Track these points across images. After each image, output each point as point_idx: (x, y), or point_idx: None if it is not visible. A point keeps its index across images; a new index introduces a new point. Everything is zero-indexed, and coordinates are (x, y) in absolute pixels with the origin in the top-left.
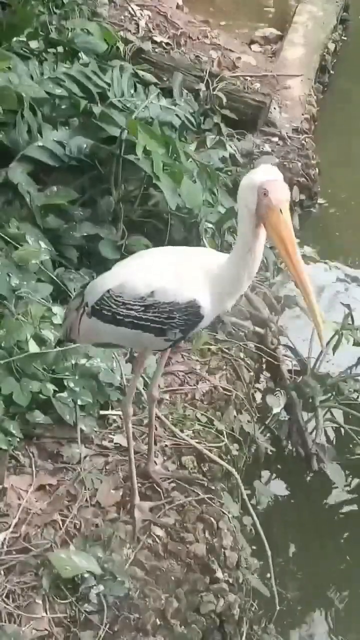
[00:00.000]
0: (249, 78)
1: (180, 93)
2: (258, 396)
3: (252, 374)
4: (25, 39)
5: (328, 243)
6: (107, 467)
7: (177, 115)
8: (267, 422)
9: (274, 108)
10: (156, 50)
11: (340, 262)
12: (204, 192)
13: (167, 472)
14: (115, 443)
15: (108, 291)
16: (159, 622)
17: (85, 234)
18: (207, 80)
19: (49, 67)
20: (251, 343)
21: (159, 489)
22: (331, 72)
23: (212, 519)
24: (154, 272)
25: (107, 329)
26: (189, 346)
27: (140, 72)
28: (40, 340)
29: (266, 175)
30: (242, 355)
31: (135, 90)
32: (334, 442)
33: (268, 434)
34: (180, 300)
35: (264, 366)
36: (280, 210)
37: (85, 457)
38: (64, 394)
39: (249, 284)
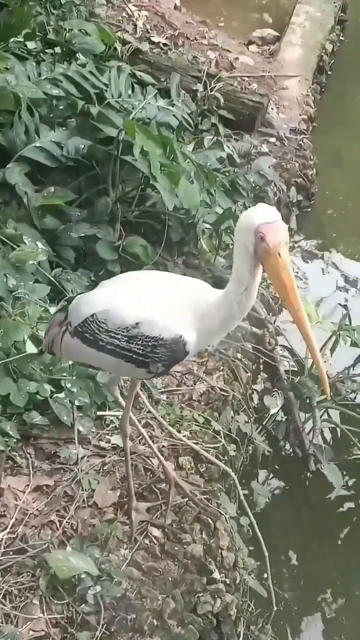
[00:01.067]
0: (246, 79)
1: (178, 93)
2: (255, 397)
3: (249, 374)
4: (22, 40)
5: (325, 243)
6: (104, 468)
7: (174, 115)
8: (264, 422)
9: (272, 108)
10: (154, 50)
11: (337, 262)
12: (202, 193)
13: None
14: (112, 444)
15: (92, 315)
16: (155, 623)
17: (82, 235)
18: (205, 80)
19: (47, 67)
20: (248, 344)
21: (156, 490)
22: (329, 72)
23: (209, 519)
24: (141, 301)
25: (89, 352)
26: None
27: (138, 73)
28: (38, 341)
29: (264, 217)
30: (239, 355)
31: (132, 91)
32: (331, 443)
33: (265, 435)
34: (165, 335)
35: (262, 367)
36: (279, 254)
37: (82, 457)
38: (61, 395)
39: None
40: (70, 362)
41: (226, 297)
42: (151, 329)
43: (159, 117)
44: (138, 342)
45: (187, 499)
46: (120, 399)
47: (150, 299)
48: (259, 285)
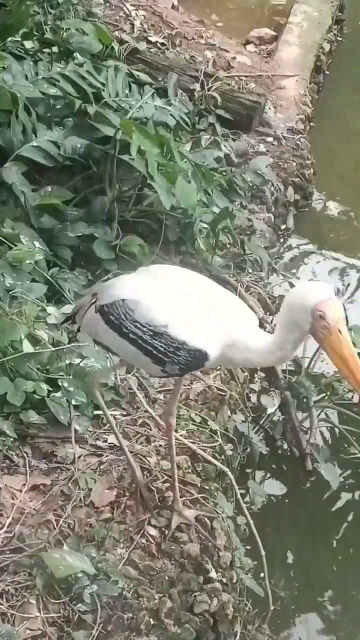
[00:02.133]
0: (244, 78)
1: (175, 93)
2: (252, 396)
3: (246, 374)
4: (20, 39)
5: (322, 243)
6: (101, 467)
7: (171, 115)
8: (261, 422)
9: (269, 108)
10: (151, 50)
11: (334, 262)
12: (199, 192)
13: (191, 521)
14: (109, 443)
15: (123, 300)
16: (152, 622)
17: (79, 234)
18: (202, 80)
19: (44, 67)
20: None
21: (153, 489)
22: (326, 72)
23: (205, 518)
24: (175, 304)
25: (109, 334)
26: None
27: (135, 72)
28: (35, 340)
29: (320, 295)
30: None
31: (130, 90)
32: (329, 442)
33: (262, 434)
34: (190, 344)
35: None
36: (339, 330)
37: (79, 457)
38: (58, 394)
39: None
40: (88, 338)
41: (265, 351)
42: (178, 334)
43: (156, 116)
44: (162, 341)
45: (182, 499)
46: (100, 399)
47: (186, 304)
48: (256, 284)
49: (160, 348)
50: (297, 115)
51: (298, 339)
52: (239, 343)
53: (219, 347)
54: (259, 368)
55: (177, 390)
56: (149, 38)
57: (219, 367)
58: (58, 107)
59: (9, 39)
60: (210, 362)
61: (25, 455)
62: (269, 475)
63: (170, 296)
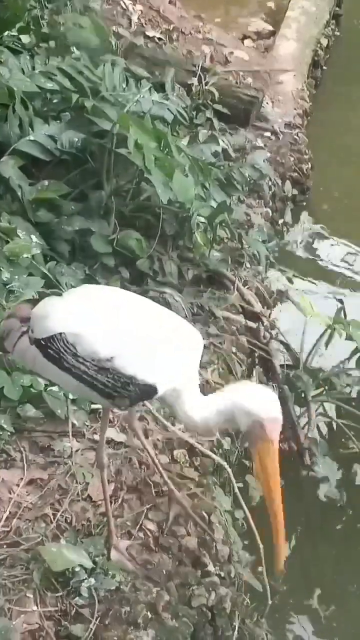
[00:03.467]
0: (241, 73)
1: (173, 87)
2: None
3: (244, 368)
4: (16, 33)
5: (319, 237)
6: (97, 462)
7: (169, 109)
8: None
9: (267, 103)
10: (148, 45)
11: (331, 256)
12: (196, 187)
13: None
14: (107, 437)
15: (60, 334)
16: (150, 616)
17: (76, 228)
18: (200, 75)
19: (41, 61)
20: (243, 337)
21: (150, 482)
22: (324, 67)
23: (203, 512)
24: (120, 333)
25: (49, 368)
26: None
27: (132, 67)
28: None
29: (270, 413)
30: (234, 349)
31: (127, 85)
32: (327, 437)
33: None
34: (140, 378)
35: (256, 360)
36: (272, 442)
37: (76, 451)
38: (55, 388)
39: None
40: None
41: (196, 419)
42: (126, 367)
43: (154, 110)
44: (109, 376)
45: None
46: (141, 435)
47: (132, 334)
48: (254, 279)
49: (107, 383)
50: (295, 109)
51: (227, 427)
52: (179, 398)
53: (165, 388)
54: (256, 362)
55: (104, 424)
56: (146, 33)
57: (216, 361)
58: (55, 101)
59: (6, 33)
60: (157, 397)
61: (22, 449)
62: None
63: (113, 325)
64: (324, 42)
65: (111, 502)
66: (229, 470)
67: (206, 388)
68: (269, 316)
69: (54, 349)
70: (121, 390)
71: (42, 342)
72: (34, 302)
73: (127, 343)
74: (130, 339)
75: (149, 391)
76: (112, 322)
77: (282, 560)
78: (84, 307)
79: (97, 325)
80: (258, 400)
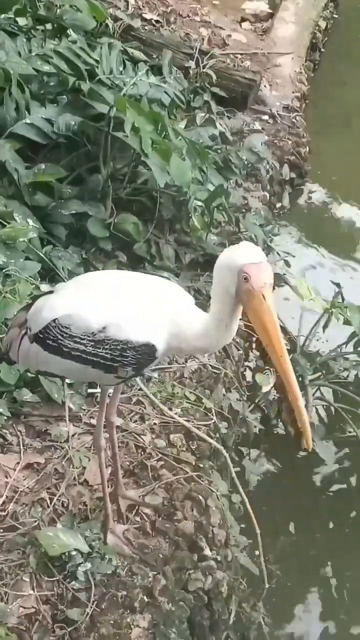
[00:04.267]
0: (239, 56)
1: (170, 70)
2: (248, 374)
3: (241, 352)
4: (13, 16)
5: (317, 221)
6: (95, 445)
7: (166, 92)
8: (256, 400)
9: (265, 86)
10: (145, 27)
11: (330, 240)
12: (193, 170)
13: (137, 499)
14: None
15: (54, 320)
16: (146, 600)
17: (73, 212)
18: (197, 57)
19: (37, 44)
20: (240, 321)
21: (147, 466)
22: (322, 50)
23: (200, 496)
24: (107, 304)
25: (51, 360)
26: None
27: (130, 50)
28: None
29: (248, 257)
30: None
31: (124, 68)
32: (324, 421)
33: (258, 413)
34: (134, 339)
35: (254, 344)
36: (263, 296)
37: (73, 435)
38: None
39: None
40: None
41: (206, 332)
42: (119, 333)
43: (151, 93)
44: (106, 347)
45: (176, 477)
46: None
47: (119, 302)
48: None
49: (106, 356)
50: (293, 93)
51: (231, 308)
52: (184, 333)
53: (165, 337)
54: (254, 346)
55: (102, 406)
56: (144, 15)
57: None
58: (52, 84)
59: (2, 15)
60: (160, 353)
61: (19, 433)
62: (264, 453)
63: (102, 298)
64: (322, 24)
65: (108, 486)
66: (226, 454)
67: (203, 372)
68: None
69: (52, 336)
70: (120, 359)
71: (40, 334)
72: (25, 307)
73: (116, 311)
74: (119, 306)
75: (148, 352)
76: (99, 297)
77: (306, 424)
78: (73, 291)
79: (86, 303)
80: (234, 252)
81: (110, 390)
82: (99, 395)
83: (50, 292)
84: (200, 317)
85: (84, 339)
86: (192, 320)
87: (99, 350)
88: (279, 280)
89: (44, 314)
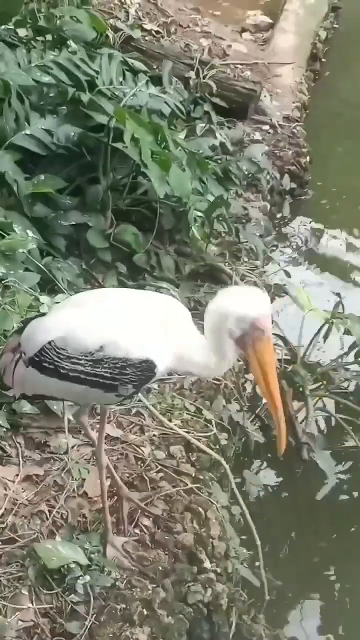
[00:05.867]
0: (239, 66)
1: (170, 81)
2: (248, 385)
3: (241, 362)
4: (13, 27)
5: (318, 232)
6: (94, 457)
7: (166, 103)
8: (257, 411)
9: (265, 96)
10: (146, 38)
11: (330, 250)
12: (193, 181)
13: (140, 503)
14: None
15: (50, 343)
16: (145, 613)
17: (73, 223)
18: (197, 68)
19: (37, 54)
20: None
21: (146, 478)
22: (322, 60)
23: (200, 508)
24: (102, 322)
25: (48, 383)
26: None
27: (130, 60)
28: None
29: (259, 310)
30: None
31: (124, 78)
32: (325, 432)
33: (258, 424)
34: (133, 357)
35: None
36: (268, 338)
37: (72, 447)
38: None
39: None
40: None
41: (206, 364)
42: (117, 351)
43: (151, 104)
44: (105, 365)
45: (176, 489)
46: (90, 432)
47: (114, 320)
48: (251, 273)
49: (106, 375)
50: (293, 103)
51: (233, 346)
52: (183, 353)
53: (164, 353)
54: None
55: (102, 426)
56: (144, 26)
57: None
58: (51, 95)
59: (2, 26)
60: (160, 370)
61: (18, 445)
62: (264, 464)
63: (95, 318)
64: (323, 34)
65: (107, 499)
66: (226, 465)
67: (203, 383)
68: None
69: (48, 359)
70: (120, 377)
71: (35, 358)
72: (17, 331)
73: (112, 329)
74: (114, 324)
75: (147, 367)
76: (93, 316)
77: (283, 442)
78: (66, 313)
79: (81, 323)
80: (246, 304)
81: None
82: (98, 407)
83: (42, 314)
84: (199, 342)
85: (81, 360)
86: (193, 346)
87: (97, 369)
88: (279, 290)
89: (38, 337)
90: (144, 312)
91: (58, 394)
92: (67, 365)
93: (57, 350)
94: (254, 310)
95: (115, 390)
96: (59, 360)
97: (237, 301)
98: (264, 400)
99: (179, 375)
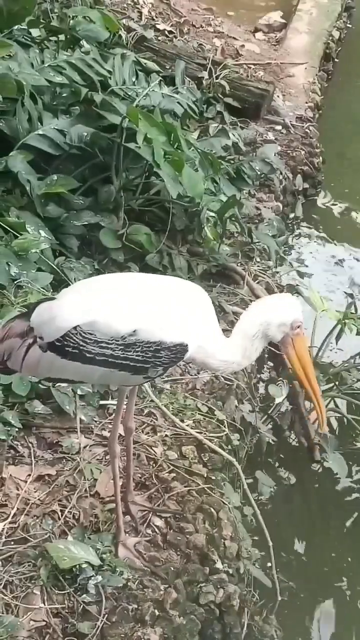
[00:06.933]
0: (252, 66)
1: (183, 81)
2: (260, 386)
3: (254, 363)
4: (26, 27)
5: (331, 232)
6: (106, 457)
7: (179, 103)
8: (269, 412)
9: (278, 96)
10: (159, 38)
11: (343, 250)
12: (206, 181)
13: (147, 505)
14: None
15: (75, 328)
16: (157, 613)
17: (86, 223)
18: (210, 68)
19: (50, 55)
20: None
21: (159, 479)
22: (335, 60)
23: (212, 509)
24: (134, 307)
25: (69, 366)
26: None
27: (143, 60)
28: None
29: (295, 312)
30: None
31: (137, 78)
32: (337, 432)
33: (270, 424)
34: (168, 341)
35: (266, 355)
36: (304, 335)
37: (84, 447)
38: (64, 384)
39: None
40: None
41: (228, 362)
42: (152, 335)
43: (163, 104)
44: (137, 349)
45: (187, 489)
46: (119, 419)
47: (146, 304)
48: (264, 273)
49: (137, 358)
50: (306, 103)
51: (262, 346)
52: (209, 351)
53: (193, 337)
54: (266, 357)
55: (118, 410)
56: (157, 26)
57: None
58: (64, 95)
59: (15, 27)
60: (189, 355)
61: (30, 445)
62: (276, 465)
63: (123, 302)
64: (336, 34)
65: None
66: (238, 466)
67: (215, 383)
68: None
69: (72, 344)
70: (152, 360)
71: (57, 342)
72: (20, 317)
73: (143, 314)
74: (146, 309)
75: (180, 351)
76: (121, 300)
77: (324, 418)
78: (88, 296)
79: (108, 307)
80: (283, 309)
81: (126, 397)
82: (110, 406)
83: (50, 298)
84: (221, 338)
85: (111, 344)
86: (213, 339)
87: (129, 353)
88: (292, 291)
89: (61, 323)
90: (174, 296)
91: (78, 377)
92: (94, 349)
93: (83, 334)
94: (291, 313)
95: (144, 373)
96: (84, 344)
97: (274, 309)
98: (278, 400)
99: (195, 370)
